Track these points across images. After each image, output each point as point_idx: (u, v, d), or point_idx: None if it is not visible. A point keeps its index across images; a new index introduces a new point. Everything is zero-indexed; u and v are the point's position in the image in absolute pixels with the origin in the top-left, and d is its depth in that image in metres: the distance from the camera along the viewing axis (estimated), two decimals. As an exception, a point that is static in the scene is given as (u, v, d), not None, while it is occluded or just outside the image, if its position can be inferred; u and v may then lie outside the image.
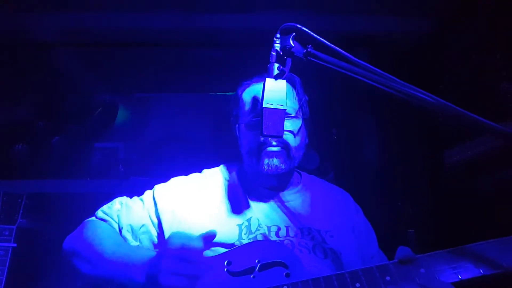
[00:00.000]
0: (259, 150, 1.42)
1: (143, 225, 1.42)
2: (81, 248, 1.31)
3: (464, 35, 2.12)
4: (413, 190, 2.38)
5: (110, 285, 1.22)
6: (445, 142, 2.17)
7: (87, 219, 1.47)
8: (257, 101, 1.47)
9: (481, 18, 1.98)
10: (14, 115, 2.65)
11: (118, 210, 1.46)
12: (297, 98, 1.49)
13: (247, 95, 1.52)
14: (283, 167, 1.41)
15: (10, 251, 2.12)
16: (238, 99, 1.55)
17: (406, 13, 2.24)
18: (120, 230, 1.42)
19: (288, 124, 1.42)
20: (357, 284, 1.07)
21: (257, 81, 1.51)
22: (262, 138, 1.41)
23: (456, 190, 2.08)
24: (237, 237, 1.33)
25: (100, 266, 1.24)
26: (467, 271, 1.04)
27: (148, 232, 1.42)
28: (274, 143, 1.40)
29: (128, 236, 1.40)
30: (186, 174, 1.62)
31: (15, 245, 2.16)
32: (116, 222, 1.43)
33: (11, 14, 2.16)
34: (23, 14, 2.19)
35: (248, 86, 1.54)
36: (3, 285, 2.04)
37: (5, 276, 2.06)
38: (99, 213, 1.47)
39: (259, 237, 1.33)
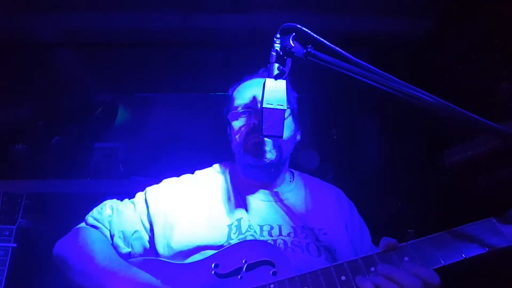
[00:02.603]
0: (246, 141, 1.44)
1: (135, 231, 1.42)
2: (73, 260, 1.30)
3: (464, 35, 2.12)
4: (413, 190, 2.37)
5: None
6: (445, 142, 2.16)
7: (77, 226, 1.45)
8: (244, 95, 1.50)
9: (481, 18, 1.98)
10: (14, 115, 2.65)
11: (109, 216, 1.44)
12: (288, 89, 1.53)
13: (236, 92, 1.55)
14: (269, 156, 1.42)
15: (10, 251, 2.12)
16: (229, 98, 1.58)
17: (406, 13, 2.23)
18: (111, 237, 1.41)
19: None
20: (343, 277, 1.07)
21: (246, 80, 1.56)
22: (246, 129, 1.43)
23: (456, 190, 2.08)
24: (226, 238, 1.33)
25: (90, 280, 1.23)
26: (450, 256, 1.05)
27: (140, 238, 1.41)
28: (257, 133, 1.40)
29: (120, 243, 1.40)
30: (186, 174, 1.62)
31: (15, 245, 2.16)
32: (107, 228, 1.42)
33: (11, 14, 2.16)
34: (23, 14, 2.18)
35: (238, 86, 1.57)
36: (3, 285, 2.04)
37: (5, 276, 2.06)
38: (90, 219, 1.45)
39: (249, 238, 1.32)
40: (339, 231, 1.45)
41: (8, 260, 2.09)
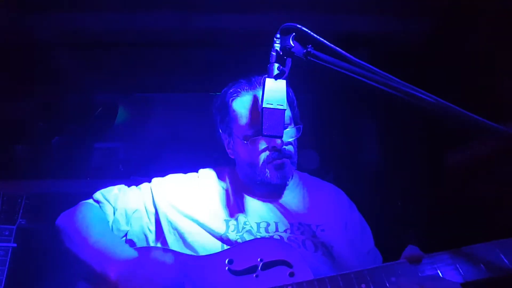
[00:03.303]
0: (266, 164, 1.42)
1: (136, 210, 1.46)
2: (70, 230, 1.36)
3: (464, 35, 2.12)
4: (413, 190, 2.38)
5: (89, 273, 1.23)
6: (445, 142, 2.16)
7: (83, 201, 1.52)
8: (255, 116, 1.41)
9: (481, 18, 1.98)
10: (14, 115, 2.65)
11: (116, 194, 1.50)
12: (292, 105, 1.52)
13: (240, 107, 1.46)
14: (290, 177, 1.47)
15: (10, 251, 2.12)
16: (227, 107, 1.50)
17: (405, 13, 2.23)
18: (114, 211, 1.45)
19: (290, 134, 1.44)
20: (363, 285, 1.06)
21: (246, 89, 1.47)
22: (268, 152, 1.41)
23: (456, 190, 2.08)
24: (223, 231, 1.37)
25: (82, 251, 1.28)
26: (472, 273, 1.03)
27: (140, 218, 1.45)
28: (280, 156, 1.41)
29: (121, 219, 1.44)
30: (185, 174, 1.64)
31: (15, 245, 2.16)
32: (111, 205, 1.46)
33: (11, 14, 2.16)
34: (23, 14, 2.18)
35: (238, 95, 1.48)
36: (3, 285, 2.04)
37: (5, 276, 2.06)
38: (97, 194, 1.51)
39: (245, 234, 1.35)
40: (337, 229, 1.46)
41: (8, 260, 2.09)
